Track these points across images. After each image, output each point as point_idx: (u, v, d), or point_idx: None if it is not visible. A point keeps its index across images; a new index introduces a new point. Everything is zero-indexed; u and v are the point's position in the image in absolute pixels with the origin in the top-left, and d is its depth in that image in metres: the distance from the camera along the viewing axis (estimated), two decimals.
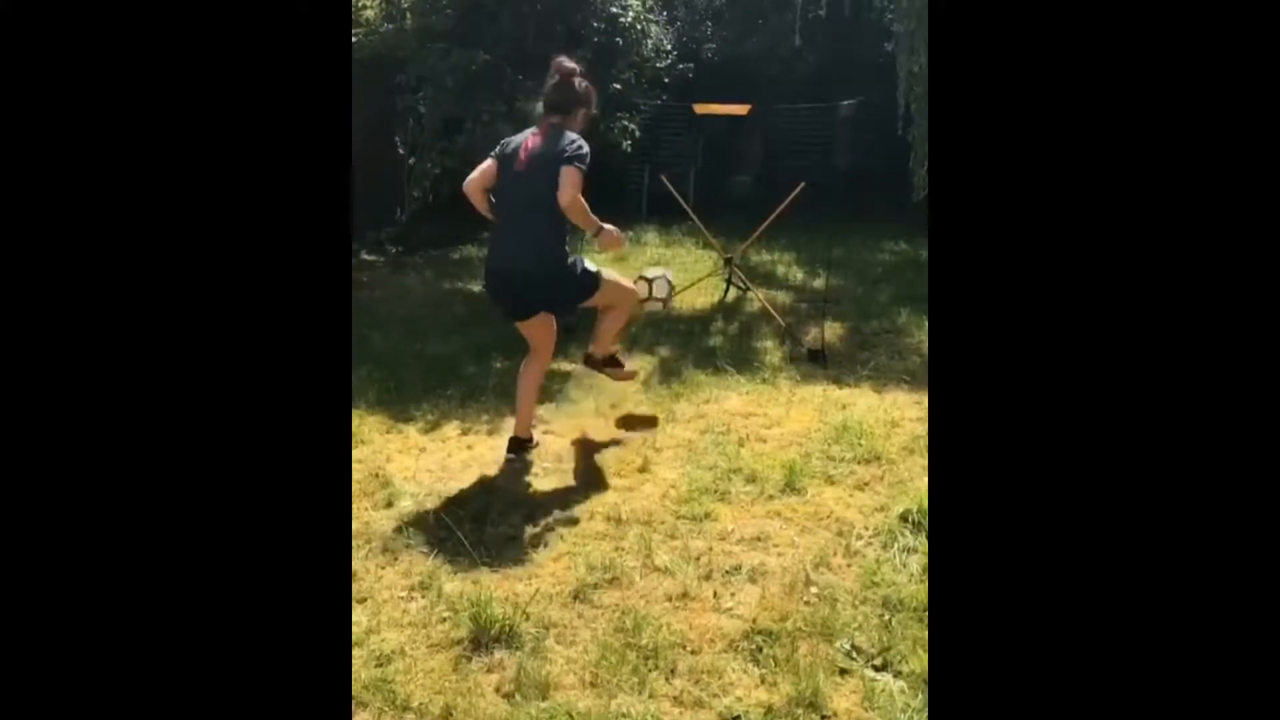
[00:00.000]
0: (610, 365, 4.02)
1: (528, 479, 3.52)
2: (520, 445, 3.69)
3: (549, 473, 3.58)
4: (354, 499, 3.25)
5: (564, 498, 3.33)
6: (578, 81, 3.53)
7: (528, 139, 3.48)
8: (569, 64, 3.54)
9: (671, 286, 4.41)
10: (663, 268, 4.73)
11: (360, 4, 7.07)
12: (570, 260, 3.53)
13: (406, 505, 3.26)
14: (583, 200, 3.33)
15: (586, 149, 3.39)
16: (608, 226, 3.48)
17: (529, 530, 3.09)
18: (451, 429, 4.01)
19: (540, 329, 3.66)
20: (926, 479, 3.40)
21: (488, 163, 3.54)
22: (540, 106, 3.55)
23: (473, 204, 3.60)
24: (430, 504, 3.27)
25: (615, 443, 3.84)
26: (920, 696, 2.21)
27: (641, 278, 4.28)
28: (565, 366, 4.81)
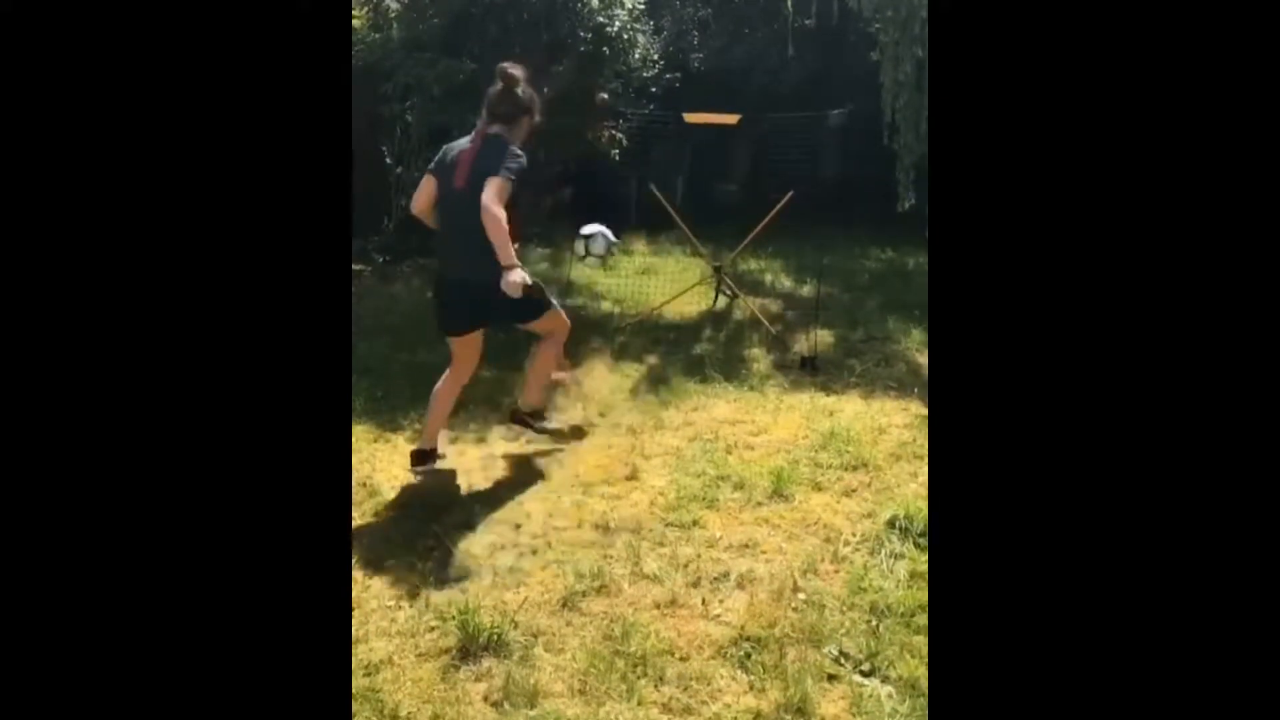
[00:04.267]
0: (538, 419, 3.91)
1: (515, 488, 3.51)
2: (425, 457, 3.56)
3: (536, 481, 3.57)
4: None
5: (552, 506, 3.33)
6: (522, 89, 3.42)
7: (464, 151, 3.37)
8: (513, 70, 3.42)
9: (611, 242, 4.30)
10: (598, 225, 4.46)
11: None
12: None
13: (394, 514, 3.25)
14: (501, 215, 3.13)
15: (522, 161, 3.29)
16: (514, 275, 3.16)
17: (517, 538, 3.09)
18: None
19: (470, 346, 3.57)
20: (913, 485, 3.42)
21: (426, 179, 3.46)
22: (483, 113, 3.43)
23: (425, 223, 3.53)
24: (418, 513, 3.27)
25: (603, 450, 3.84)
26: (908, 702, 2.22)
27: (579, 235, 4.19)
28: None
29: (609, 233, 4.36)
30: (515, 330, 3.79)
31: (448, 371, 3.64)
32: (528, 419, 3.88)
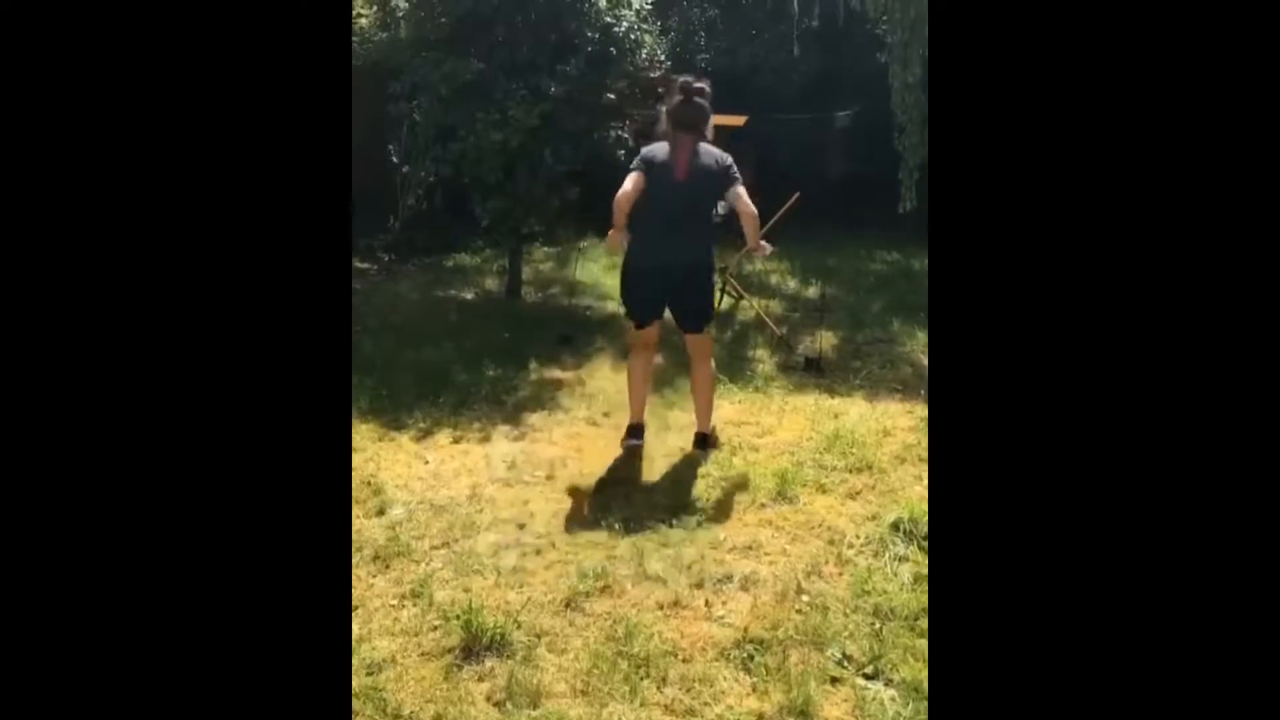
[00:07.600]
0: (714, 444, 3.90)
1: (519, 487, 3.51)
2: (638, 431, 3.89)
3: (540, 481, 3.57)
4: None
5: (556, 506, 3.33)
6: (701, 101, 3.74)
7: (678, 153, 3.65)
8: (696, 84, 3.76)
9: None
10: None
11: (354, 13, 7.07)
12: (713, 275, 3.84)
13: (398, 513, 3.25)
14: (755, 213, 3.66)
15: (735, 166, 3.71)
16: (763, 243, 3.81)
17: (520, 538, 3.09)
18: (444, 437, 4.00)
19: (656, 330, 3.92)
20: (917, 488, 3.41)
21: (635, 175, 3.62)
22: (667, 124, 3.75)
23: (617, 216, 3.62)
24: (422, 512, 3.27)
25: (608, 450, 3.84)
26: (911, 705, 2.21)
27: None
28: (557, 375, 4.82)
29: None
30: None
31: (636, 352, 3.95)
32: (709, 444, 3.88)
